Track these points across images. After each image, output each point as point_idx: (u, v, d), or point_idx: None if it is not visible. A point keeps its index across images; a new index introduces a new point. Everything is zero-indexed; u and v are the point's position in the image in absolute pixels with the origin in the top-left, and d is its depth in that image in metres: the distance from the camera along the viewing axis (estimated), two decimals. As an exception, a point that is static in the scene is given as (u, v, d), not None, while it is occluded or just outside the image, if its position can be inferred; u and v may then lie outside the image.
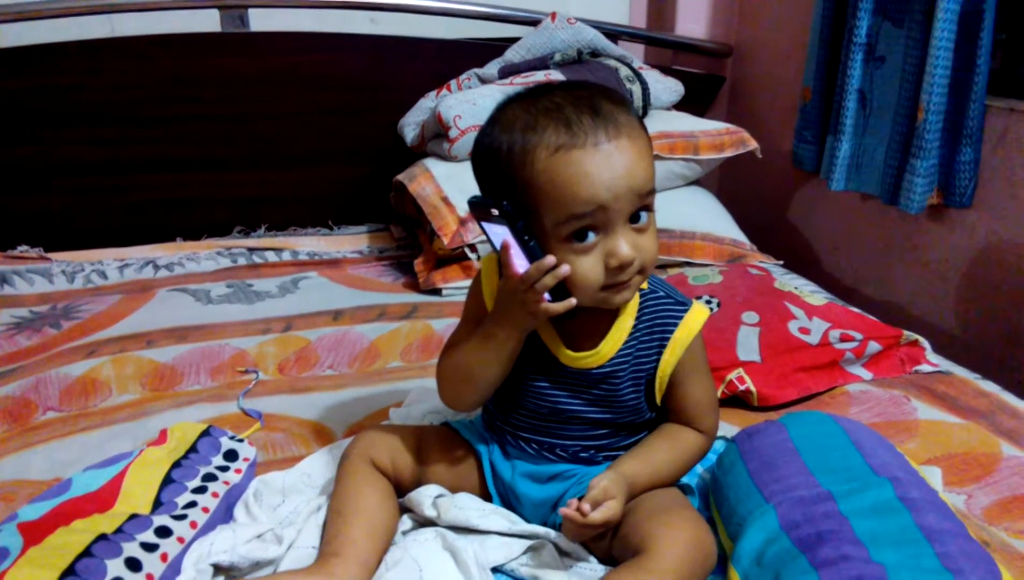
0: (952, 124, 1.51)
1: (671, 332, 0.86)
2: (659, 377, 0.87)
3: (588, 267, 0.77)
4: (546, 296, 0.77)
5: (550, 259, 0.76)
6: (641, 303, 0.87)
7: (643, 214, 0.79)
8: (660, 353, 0.87)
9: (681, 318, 0.87)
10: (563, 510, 0.77)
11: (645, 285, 0.87)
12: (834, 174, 1.72)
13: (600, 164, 0.74)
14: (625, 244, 0.77)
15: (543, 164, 0.75)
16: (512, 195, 0.78)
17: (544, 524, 0.88)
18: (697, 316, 0.88)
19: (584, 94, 0.78)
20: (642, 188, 0.77)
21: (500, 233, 0.78)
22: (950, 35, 1.44)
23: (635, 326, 0.86)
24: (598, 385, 0.87)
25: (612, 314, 0.86)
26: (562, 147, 0.75)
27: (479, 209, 0.79)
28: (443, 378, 0.89)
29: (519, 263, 0.77)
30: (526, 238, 0.76)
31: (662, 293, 0.88)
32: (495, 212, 0.76)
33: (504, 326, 0.81)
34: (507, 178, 0.78)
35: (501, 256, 0.78)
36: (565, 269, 0.76)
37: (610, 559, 0.82)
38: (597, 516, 0.76)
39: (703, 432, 0.90)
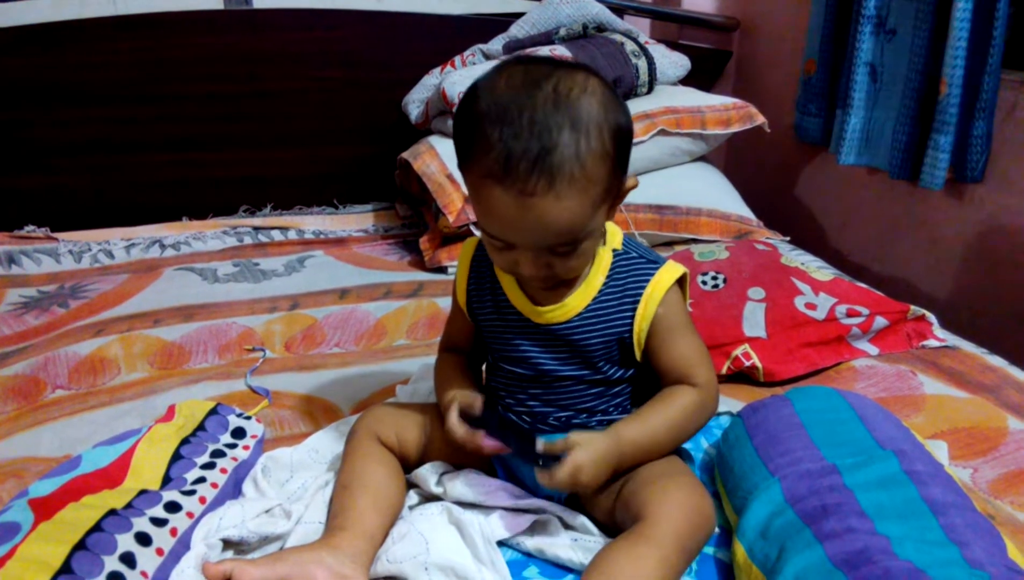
0: (967, 98, 1.49)
1: (643, 289, 0.86)
2: (636, 334, 0.87)
3: (504, 264, 0.82)
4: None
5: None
6: (613, 263, 0.87)
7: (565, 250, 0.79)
8: (633, 311, 0.86)
9: (652, 275, 0.87)
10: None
11: (620, 245, 0.88)
12: (843, 148, 1.71)
13: (515, 213, 0.74)
14: (533, 266, 0.79)
15: (474, 178, 0.77)
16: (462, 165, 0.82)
17: (548, 498, 0.89)
18: (669, 272, 0.87)
19: (551, 111, 0.73)
20: (555, 242, 0.77)
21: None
22: (967, 4, 1.41)
23: (605, 283, 0.86)
24: (566, 339, 0.87)
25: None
26: (491, 176, 0.74)
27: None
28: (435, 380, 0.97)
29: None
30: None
31: (635, 254, 0.88)
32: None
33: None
34: (460, 154, 0.80)
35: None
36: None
37: (614, 527, 0.83)
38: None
39: (697, 385, 0.88)
